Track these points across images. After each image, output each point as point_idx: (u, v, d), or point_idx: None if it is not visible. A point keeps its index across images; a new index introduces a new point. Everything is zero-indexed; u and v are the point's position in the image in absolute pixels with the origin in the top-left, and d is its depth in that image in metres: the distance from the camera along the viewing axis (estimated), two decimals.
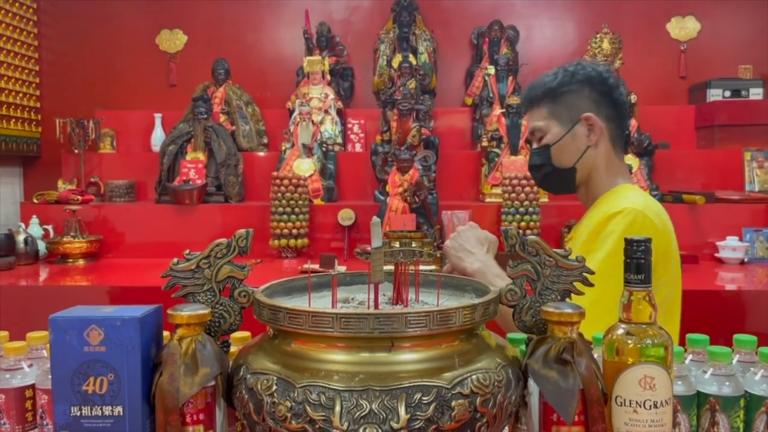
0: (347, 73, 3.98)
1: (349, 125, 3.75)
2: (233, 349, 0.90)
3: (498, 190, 3.26)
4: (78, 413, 0.75)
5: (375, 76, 3.89)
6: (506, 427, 0.89)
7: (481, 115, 3.62)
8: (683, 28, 4.06)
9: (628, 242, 0.80)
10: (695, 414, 0.89)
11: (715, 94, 3.71)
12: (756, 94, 3.68)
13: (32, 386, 0.92)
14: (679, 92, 4.04)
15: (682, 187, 3.36)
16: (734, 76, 3.85)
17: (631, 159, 3.31)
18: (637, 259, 0.79)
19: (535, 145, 1.58)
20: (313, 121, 3.51)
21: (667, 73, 4.06)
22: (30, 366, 0.93)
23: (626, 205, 1.37)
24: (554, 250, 0.85)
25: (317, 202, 3.32)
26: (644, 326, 0.79)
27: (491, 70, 3.65)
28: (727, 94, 3.71)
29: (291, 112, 3.66)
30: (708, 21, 4.03)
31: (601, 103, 1.53)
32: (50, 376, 0.77)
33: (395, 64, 3.75)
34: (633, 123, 3.42)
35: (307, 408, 0.69)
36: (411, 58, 3.74)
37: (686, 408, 0.88)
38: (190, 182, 3.34)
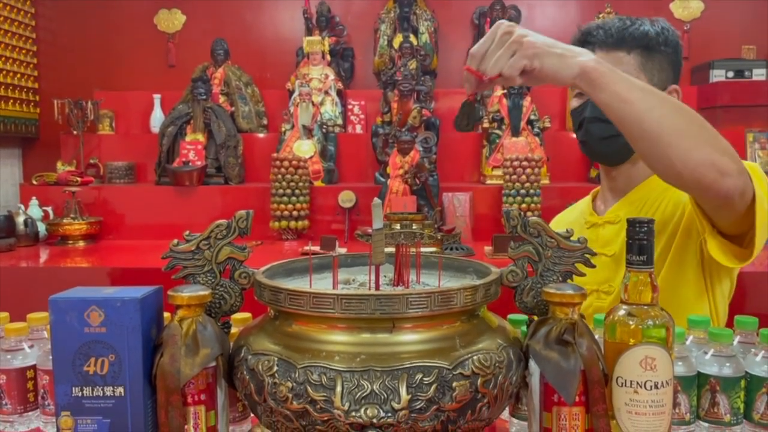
0: (347, 54, 3.95)
1: (350, 106, 3.73)
2: (234, 330, 0.90)
3: (499, 172, 3.25)
4: (79, 394, 0.75)
5: (375, 57, 3.86)
6: (507, 408, 0.90)
7: (482, 96, 3.60)
8: (686, 8, 4.02)
9: (631, 223, 0.80)
10: (695, 394, 0.89)
11: (718, 75, 3.68)
12: (759, 74, 3.65)
13: (33, 367, 0.92)
14: (681, 73, 4.01)
15: None
16: (737, 56, 3.82)
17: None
18: (639, 240, 0.79)
19: None
20: (313, 102, 3.49)
21: None
22: (31, 347, 0.94)
23: None
24: (556, 231, 0.85)
25: (317, 183, 3.31)
26: (646, 307, 0.78)
27: None
28: (730, 74, 3.68)
29: (291, 93, 3.64)
30: (711, 1, 3.99)
31: (677, 77, 1.32)
32: (51, 357, 0.77)
33: (396, 44, 3.72)
34: None
35: (308, 388, 0.69)
36: (412, 38, 3.70)
37: (686, 389, 0.88)
38: (190, 164, 3.33)
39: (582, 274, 0.85)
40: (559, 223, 1.55)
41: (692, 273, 1.21)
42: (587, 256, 0.84)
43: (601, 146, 1.28)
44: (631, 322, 0.78)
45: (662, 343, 0.77)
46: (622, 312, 0.79)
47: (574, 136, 1.38)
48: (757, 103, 3.51)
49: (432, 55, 3.76)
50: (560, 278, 0.84)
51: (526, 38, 0.93)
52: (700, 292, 1.22)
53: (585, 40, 1.29)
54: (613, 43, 1.25)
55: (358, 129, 3.70)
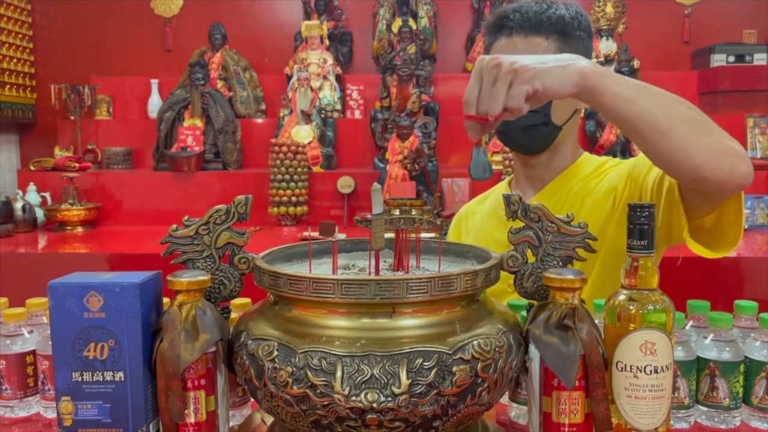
0: (346, 38, 3.93)
1: (348, 91, 3.71)
2: (234, 315, 0.90)
3: (498, 157, 3.24)
4: (79, 379, 0.75)
5: (374, 41, 3.83)
6: (507, 393, 0.90)
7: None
8: None
9: (632, 208, 0.80)
10: (695, 379, 0.89)
11: (718, 60, 3.67)
12: (760, 59, 3.64)
13: (33, 352, 0.92)
14: (682, 57, 3.99)
15: None
16: (738, 41, 3.80)
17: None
18: (640, 225, 0.79)
19: None
20: (311, 87, 3.47)
21: (670, 38, 4.00)
22: (30, 332, 0.93)
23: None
24: (556, 216, 0.84)
25: (316, 169, 3.31)
26: (646, 292, 0.78)
27: None
28: (731, 59, 3.66)
29: (289, 77, 3.62)
30: None
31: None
32: (51, 342, 0.77)
33: (395, 28, 3.69)
34: None
35: (309, 373, 0.69)
36: (411, 22, 3.68)
37: (686, 373, 0.88)
38: (188, 149, 3.32)
39: (582, 259, 0.85)
40: (470, 214, 1.49)
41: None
42: (588, 241, 0.84)
43: (522, 136, 1.24)
44: (631, 307, 0.78)
45: (662, 327, 0.77)
46: (622, 297, 0.79)
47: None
48: (758, 88, 3.50)
49: (431, 39, 3.74)
50: (560, 263, 0.84)
51: (517, 64, 0.87)
52: None
53: (501, 24, 1.25)
54: (530, 28, 1.22)
55: (357, 114, 3.69)
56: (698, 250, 1.08)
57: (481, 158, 0.99)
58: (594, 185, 1.26)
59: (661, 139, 0.91)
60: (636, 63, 3.47)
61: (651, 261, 0.79)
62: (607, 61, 3.52)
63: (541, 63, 0.88)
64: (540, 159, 1.30)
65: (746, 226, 2.97)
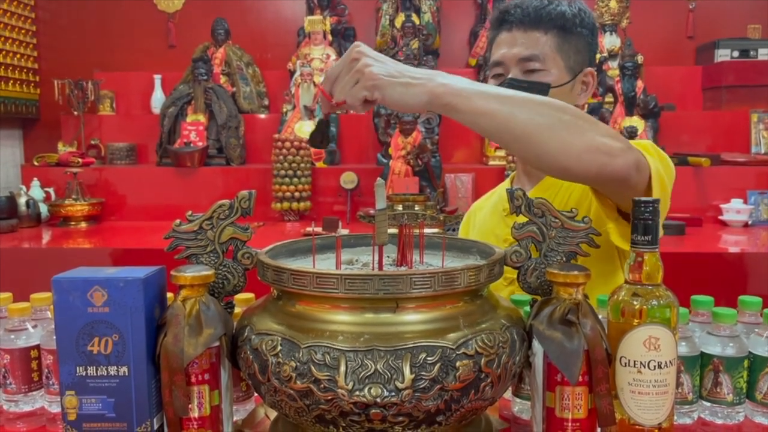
0: (349, 33, 3.92)
1: None
2: (237, 310, 0.90)
3: (502, 153, 3.23)
4: (84, 373, 0.76)
5: (377, 36, 3.82)
6: (510, 388, 0.90)
7: (485, 76, 3.56)
8: None
9: (636, 203, 0.79)
10: (698, 374, 0.89)
11: (723, 55, 3.65)
12: (765, 54, 3.62)
13: (37, 347, 0.92)
14: (686, 53, 3.98)
15: (687, 149, 3.33)
16: (743, 36, 3.78)
17: (636, 121, 3.28)
18: (644, 220, 0.78)
19: (517, 74, 1.24)
20: (314, 83, 3.46)
21: (674, 33, 3.99)
22: (34, 327, 0.94)
23: None
24: (560, 211, 0.84)
25: (319, 165, 3.31)
26: (651, 287, 0.78)
27: None
28: (736, 54, 3.65)
29: (292, 73, 3.61)
30: None
31: (593, 60, 1.31)
32: (55, 337, 0.77)
33: (398, 23, 3.69)
34: (639, 84, 3.37)
35: (312, 368, 0.69)
36: (414, 17, 3.67)
37: (689, 368, 0.88)
38: (191, 144, 3.32)
39: (586, 254, 0.84)
40: (477, 210, 1.51)
41: (604, 256, 1.16)
42: (592, 236, 0.84)
43: None
44: (635, 303, 0.78)
45: (666, 323, 0.77)
46: (626, 292, 0.79)
47: None
48: (763, 83, 3.49)
49: (434, 34, 3.73)
50: (564, 258, 0.84)
51: (368, 68, 0.88)
52: (615, 268, 1.21)
53: (503, 18, 1.27)
54: (530, 23, 1.23)
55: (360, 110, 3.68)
56: (619, 242, 1.07)
57: (321, 127, 1.03)
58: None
59: (524, 146, 0.92)
60: (640, 58, 3.45)
61: (655, 256, 0.78)
62: (611, 56, 3.51)
63: (391, 76, 0.89)
64: None
65: (750, 222, 2.96)
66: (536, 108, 0.91)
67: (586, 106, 3.15)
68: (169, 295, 0.86)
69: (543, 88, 1.21)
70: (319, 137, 1.03)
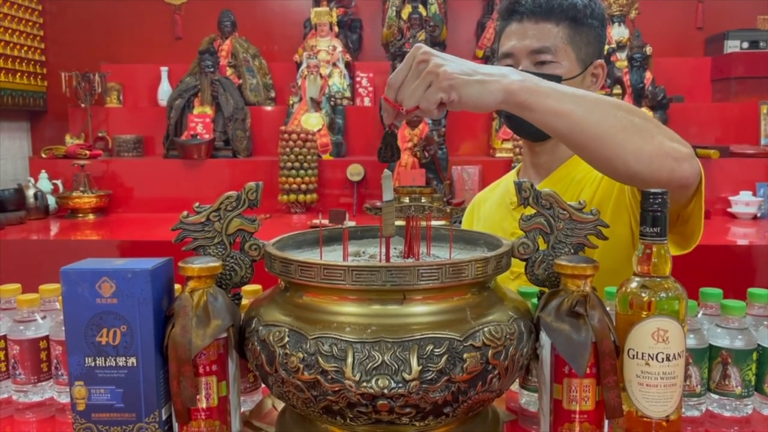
0: (355, 25, 3.91)
1: (358, 78, 3.69)
2: (245, 301, 0.90)
3: (509, 145, 3.22)
4: (92, 364, 0.76)
5: (384, 28, 3.81)
6: (517, 380, 0.90)
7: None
8: None
9: (645, 195, 0.79)
10: (707, 367, 0.89)
11: (732, 46, 3.62)
12: None
13: (46, 338, 0.93)
14: (695, 44, 3.95)
15: (696, 141, 3.31)
16: (753, 26, 3.74)
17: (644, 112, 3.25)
18: (653, 212, 0.78)
19: (528, 66, 1.22)
20: (321, 75, 3.46)
21: (683, 24, 3.95)
22: (43, 318, 0.94)
23: None
24: (568, 203, 0.84)
25: (326, 157, 3.30)
26: (659, 279, 0.78)
27: None
28: (745, 45, 3.62)
29: (298, 65, 3.61)
30: None
31: (602, 52, 1.30)
32: (64, 328, 0.77)
33: (404, 15, 3.67)
34: (648, 76, 3.35)
35: (320, 359, 0.70)
36: (421, 8, 3.65)
37: (698, 361, 0.88)
38: (198, 137, 3.32)
39: (594, 246, 0.84)
40: (482, 202, 1.50)
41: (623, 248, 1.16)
42: (600, 228, 0.83)
43: (528, 122, 1.20)
44: (644, 295, 0.77)
45: (675, 315, 0.76)
46: (634, 284, 0.79)
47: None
48: None
49: (441, 26, 3.71)
50: (572, 250, 0.84)
51: (442, 68, 0.84)
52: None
53: (513, 9, 1.26)
54: (541, 14, 1.21)
55: (367, 101, 3.67)
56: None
57: (388, 140, 0.95)
58: (596, 174, 1.23)
59: (595, 148, 0.91)
60: (648, 49, 3.43)
61: (664, 248, 0.78)
62: (619, 47, 3.48)
63: (466, 74, 0.85)
64: (545, 146, 1.29)
65: (759, 214, 2.94)
66: (609, 110, 0.90)
67: None
68: (177, 286, 0.86)
69: (554, 81, 1.17)
70: (390, 152, 0.96)
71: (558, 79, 1.20)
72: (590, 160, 0.95)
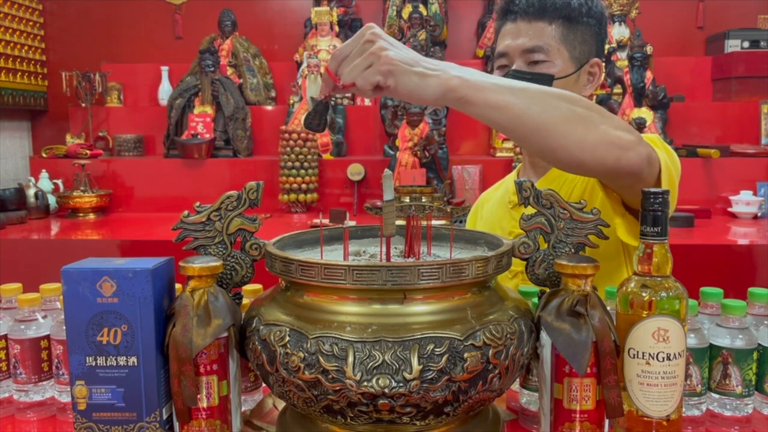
0: (356, 24, 3.90)
1: None
2: (245, 301, 0.90)
3: (509, 144, 3.22)
4: (93, 363, 0.76)
5: (384, 27, 3.81)
6: (518, 379, 0.90)
7: (493, 67, 3.54)
8: None
9: (645, 194, 0.79)
10: (707, 366, 0.89)
11: (733, 45, 3.62)
12: None
13: (47, 337, 0.93)
14: (695, 43, 3.94)
15: (696, 140, 3.31)
16: (753, 26, 3.74)
17: (645, 112, 3.25)
18: (654, 212, 0.78)
19: (521, 65, 1.23)
20: (321, 74, 3.46)
21: (684, 24, 3.95)
22: (44, 317, 0.94)
23: None
24: (569, 202, 0.84)
25: (326, 156, 3.30)
26: (660, 279, 0.78)
27: None
28: (746, 44, 3.61)
29: (299, 64, 3.61)
30: None
31: (601, 51, 1.29)
32: (64, 327, 0.78)
33: (405, 14, 3.67)
34: (648, 75, 3.35)
35: (320, 359, 0.70)
36: (421, 8, 3.65)
37: (698, 360, 0.88)
38: (199, 136, 3.32)
39: (595, 246, 0.84)
40: (485, 202, 1.50)
41: (608, 253, 1.15)
42: (600, 227, 0.83)
43: None
44: (644, 294, 0.77)
45: (675, 315, 0.76)
46: (635, 283, 0.79)
47: None
48: None
49: (442, 25, 3.71)
50: (572, 250, 0.84)
51: (385, 52, 0.83)
52: (620, 264, 1.20)
53: (507, 8, 1.26)
54: (534, 13, 1.22)
55: (367, 101, 3.67)
56: (626, 238, 1.06)
57: (319, 109, 0.92)
58: None
59: (538, 140, 0.90)
60: (649, 49, 3.42)
61: (665, 248, 0.78)
62: (620, 46, 3.48)
63: (407, 63, 0.85)
64: None
65: (759, 214, 2.94)
66: (550, 101, 0.90)
67: (594, 97, 3.12)
68: (178, 285, 0.86)
69: (547, 80, 1.19)
70: (316, 119, 0.93)
71: (550, 78, 1.20)
72: (536, 152, 0.96)
